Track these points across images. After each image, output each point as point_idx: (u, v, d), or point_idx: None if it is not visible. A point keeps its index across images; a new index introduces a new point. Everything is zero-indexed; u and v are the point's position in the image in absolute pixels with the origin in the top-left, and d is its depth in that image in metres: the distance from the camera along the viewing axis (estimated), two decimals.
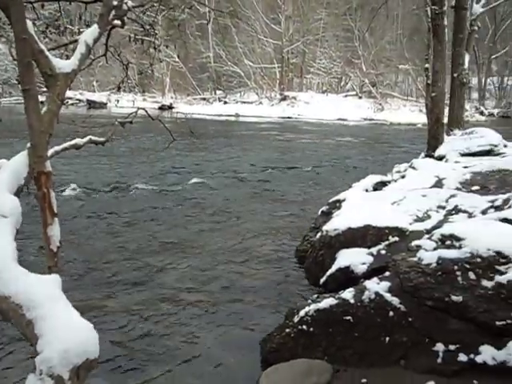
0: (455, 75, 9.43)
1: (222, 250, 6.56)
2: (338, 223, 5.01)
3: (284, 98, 38.70)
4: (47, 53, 2.01)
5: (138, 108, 3.00)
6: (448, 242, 3.73)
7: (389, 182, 7.37)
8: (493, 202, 4.86)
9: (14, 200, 1.96)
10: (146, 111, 3.01)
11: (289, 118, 34.25)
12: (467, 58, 9.45)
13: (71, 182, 9.92)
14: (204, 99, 42.11)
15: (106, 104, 36.74)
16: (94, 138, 2.56)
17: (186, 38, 41.19)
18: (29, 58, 1.66)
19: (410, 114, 33.80)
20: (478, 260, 3.44)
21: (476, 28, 9.81)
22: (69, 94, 34.17)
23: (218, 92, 43.31)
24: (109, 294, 5.13)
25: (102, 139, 2.64)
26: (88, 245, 6.66)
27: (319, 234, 5.25)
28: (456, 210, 4.91)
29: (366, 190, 7.00)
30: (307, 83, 44.39)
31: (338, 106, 35.81)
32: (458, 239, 3.67)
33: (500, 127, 24.76)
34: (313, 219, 7.06)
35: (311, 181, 11.57)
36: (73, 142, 2.43)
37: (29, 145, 1.88)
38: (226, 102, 40.85)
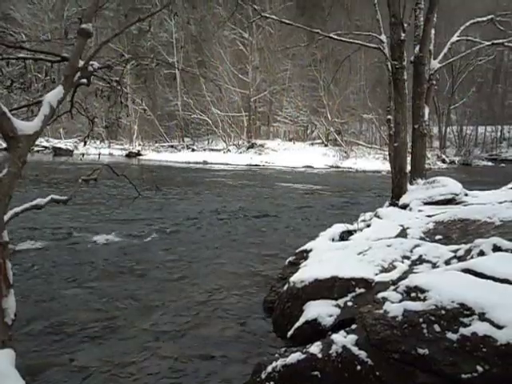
0: (416, 127, 9.76)
1: (187, 303, 6.43)
2: (304, 275, 5.01)
3: (251, 146, 39.25)
4: (9, 115, 1.99)
5: (103, 165, 2.98)
6: (413, 294, 3.76)
7: (355, 230, 7.46)
8: (455, 251, 4.95)
9: None
10: (112, 168, 3.00)
11: (256, 165, 34.63)
12: (427, 110, 9.81)
13: (29, 234, 9.71)
14: (172, 146, 42.33)
15: (72, 151, 36.50)
16: (55, 196, 2.51)
17: (155, 87, 41.72)
18: None
19: (374, 161, 34.63)
20: (443, 312, 3.46)
21: (434, 82, 10.23)
22: None
23: (186, 139, 43.62)
24: (69, 352, 4.93)
25: (63, 198, 2.59)
26: (46, 301, 6.42)
27: (286, 286, 5.23)
28: (420, 260, 4.99)
29: (333, 240, 7.07)
30: (274, 131, 45.22)
31: (305, 154, 36.51)
32: (423, 291, 3.70)
33: (461, 174, 25.62)
34: (280, 268, 7.05)
35: (278, 229, 11.60)
36: (34, 202, 2.38)
37: None
38: (193, 150, 41.16)
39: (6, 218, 1.82)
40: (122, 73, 3.20)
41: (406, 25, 9.24)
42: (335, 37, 9.83)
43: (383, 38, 9.77)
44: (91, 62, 2.42)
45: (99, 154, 4.02)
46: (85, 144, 3.44)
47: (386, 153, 18.06)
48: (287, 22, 10.16)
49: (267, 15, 9.80)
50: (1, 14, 41.27)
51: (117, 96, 3.44)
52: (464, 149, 41.41)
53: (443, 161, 37.62)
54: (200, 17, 41.71)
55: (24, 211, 2.26)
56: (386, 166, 25.14)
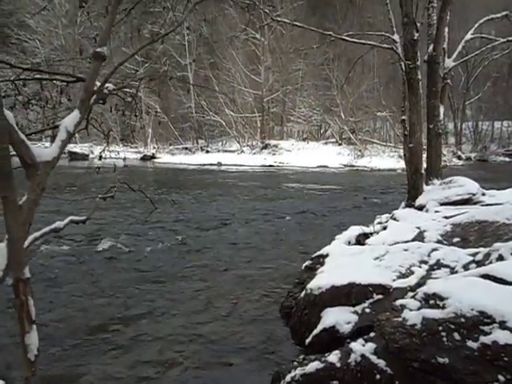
0: (431, 126, 9.66)
1: (204, 309, 6.45)
2: (321, 281, 4.99)
3: (265, 147, 39.23)
4: (28, 142, 2.02)
5: (120, 182, 3.02)
6: (432, 302, 3.73)
7: (371, 233, 7.42)
8: (474, 255, 4.91)
9: None
10: (128, 184, 3.04)
11: (270, 166, 34.61)
12: (442, 109, 9.71)
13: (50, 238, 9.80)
14: (186, 149, 42.47)
15: (87, 155, 36.75)
16: (74, 218, 2.55)
17: (168, 89, 41.89)
18: (9, 167, 1.66)
19: (389, 159, 34.41)
20: (462, 320, 3.42)
21: (449, 81, 10.13)
22: None
23: (200, 141, 43.76)
24: (86, 362, 4.98)
25: (82, 218, 2.63)
26: (65, 308, 6.50)
27: (303, 293, 5.22)
28: (438, 265, 4.95)
29: (349, 243, 7.04)
30: (288, 131, 45.15)
31: (319, 154, 36.40)
32: (442, 298, 3.67)
33: (477, 171, 25.36)
34: (297, 272, 7.04)
35: (295, 231, 11.58)
36: (53, 225, 2.42)
37: (7, 237, 1.85)
38: (208, 151, 41.28)
39: (26, 243, 1.85)
40: (136, 91, 3.23)
41: (418, 24, 9.15)
42: (348, 38, 9.77)
43: (396, 37, 9.67)
44: (106, 85, 2.45)
45: (115, 167, 4.02)
46: (100, 158, 3.48)
47: (401, 151, 17.95)
48: (299, 24, 10.13)
49: (279, 19, 9.79)
50: (16, 21, 41.77)
51: (131, 110, 3.48)
52: (480, 145, 40.98)
53: (459, 157, 37.23)
54: (211, 18, 41.77)
55: (43, 235, 2.29)
56: (400, 164, 24.97)
